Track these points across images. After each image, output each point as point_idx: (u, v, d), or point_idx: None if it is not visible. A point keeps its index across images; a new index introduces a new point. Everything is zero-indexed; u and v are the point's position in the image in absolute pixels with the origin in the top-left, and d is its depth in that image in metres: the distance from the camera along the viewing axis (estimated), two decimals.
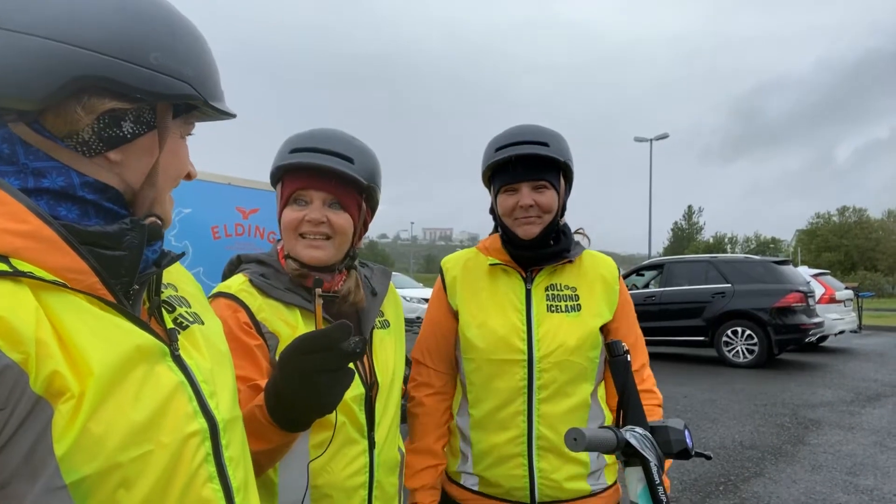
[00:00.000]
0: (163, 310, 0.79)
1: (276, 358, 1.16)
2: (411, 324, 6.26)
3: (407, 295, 17.53)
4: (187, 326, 0.81)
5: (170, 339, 0.75)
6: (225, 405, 0.79)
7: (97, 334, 0.64)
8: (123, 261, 0.70)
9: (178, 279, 0.90)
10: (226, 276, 1.30)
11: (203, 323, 0.86)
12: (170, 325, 0.78)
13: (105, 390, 0.62)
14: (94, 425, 0.60)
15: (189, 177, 0.81)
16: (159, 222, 0.76)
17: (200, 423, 0.72)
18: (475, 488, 1.58)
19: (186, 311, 0.84)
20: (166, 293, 0.84)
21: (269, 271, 1.26)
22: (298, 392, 0.90)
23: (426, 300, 19.13)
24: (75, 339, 0.61)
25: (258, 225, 4.28)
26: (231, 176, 4.20)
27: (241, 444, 0.82)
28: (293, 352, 0.89)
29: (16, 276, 0.60)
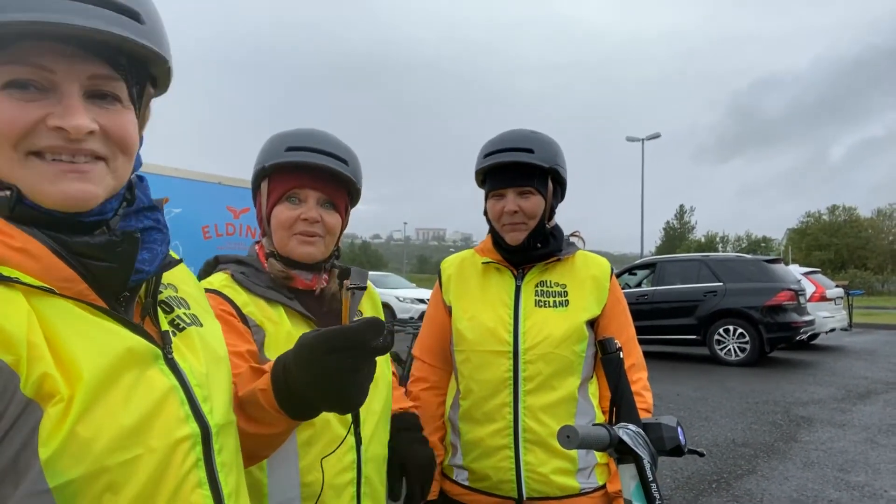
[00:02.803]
0: (159, 310, 0.78)
1: (263, 352, 1.16)
2: (404, 324, 6.25)
3: (400, 295, 17.51)
4: (184, 328, 0.80)
5: (163, 342, 0.73)
6: (219, 410, 0.77)
7: (87, 338, 0.63)
8: (115, 272, 0.69)
9: (179, 279, 0.89)
10: (202, 277, 1.30)
11: (202, 325, 0.84)
12: (165, 326, 0.76)
13: (94, 394, 0.61)
14: (82, 429, 0.59)
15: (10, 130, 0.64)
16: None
17: (192, 427, 0.71)
18: (465, 483, 1.62)
19: (185, 313, 0.83)
20: (165, 293, 0.82)
21: (248, 270, 1.27)
22: (322, 393, 0.82)
23: (420, 300, 19.12)
24: (65, 343, 0.61)
25: (249, 224, 4.26)
26: (221, 175, 4.18)
27: (234, 450, 0.81)
28: (318, 349, 0.80)
29: (2, 281, 0.59)
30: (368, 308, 1.45)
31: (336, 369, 0.80)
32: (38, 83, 0.64)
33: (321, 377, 0.81)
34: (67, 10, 0.61)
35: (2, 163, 0.63)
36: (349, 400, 0.83)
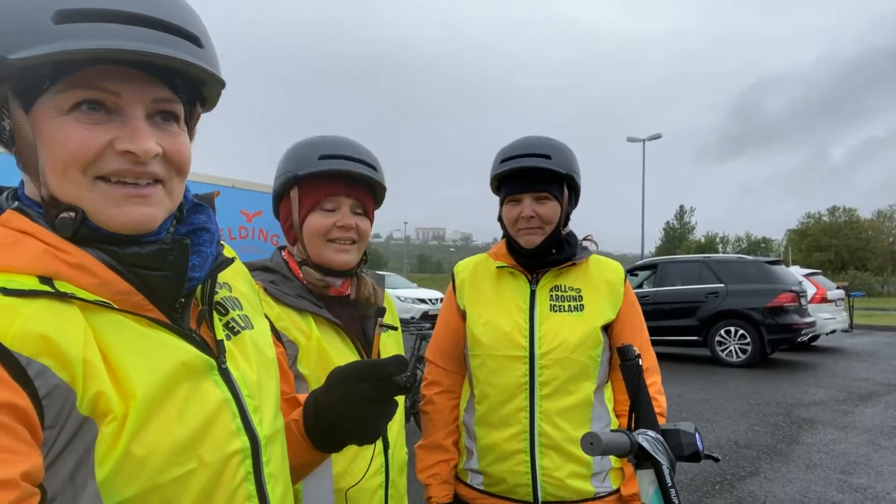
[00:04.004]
0: (215, 314, 0.78)
1: (297, 367, 1.18)
2: (406, 324, 6.27)
3: (401, 295, 17.52)
4: (238, 332, 0.81)
5: (218, 351, 0.74)
6: (268, 419, 0.78)
7: (141, 354, 0.64)
8: (169, 280, 0.69)
9: (234, 277, 0.89)
10: None
11: (253, 327, 0.85)
12: (220, 334, 0.77)
13: (148, 412, 0.62)
14: (137, 447, 0.60)
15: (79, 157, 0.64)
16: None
17: (243, 440, 0.72)
18: (480, 487, 1.63)
19: (238, 315, 0.84)
20: (221, 294, 0.83)
21: (277, 278, 1.27)
22: (345, 417, 0.87)
23: (420, 300, 19.06)
24: (120, 360, 0.62)
25: (262, 228, 4.26)
26: (234, 178, 4.18)
27: (281, 459, 0.81)
28: (348, 376, 0.87)
29: (60, 297, 0.60)
30: (388, 314, 1.47)
31: (359, 396, 0.85)
32: (105, 105, 0.65)
33: (345, 401, 0.86)
34: (135, 36, 0.62)
35: (68, 186, 0.64)
36: (367, 427, 0.88)
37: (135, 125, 0.65)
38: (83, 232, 0.65)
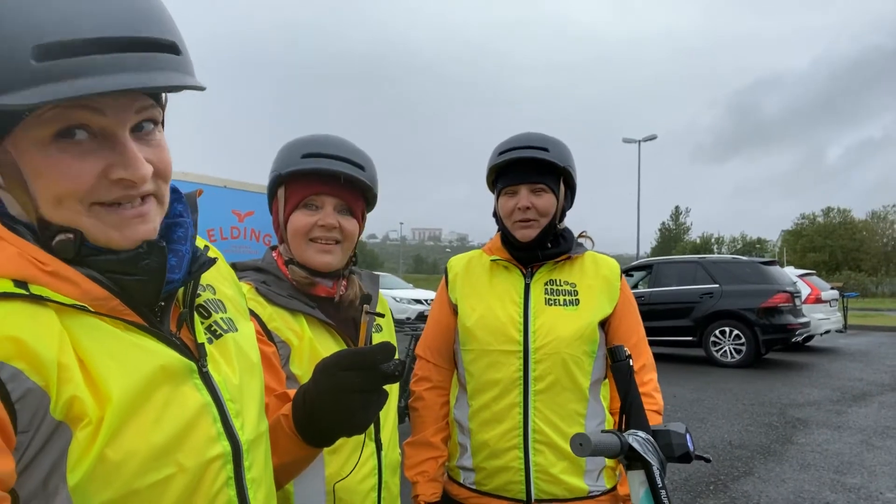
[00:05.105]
0: (196, 317, 0.77)
1: (289, 367, 1.17)
2: (402, 325, 6.25)
3: (397, 296, 17.52)
4: (221, 335, 0.80)
5: (199, 354, 0.73)
6: (250, 423, 0.77)
7: (117, 358, 0.63)
8: (146, 285, 0.68)
9: (218, 280, 0.87)
10: None
11: (237, 330, 0.84)
12: (201, 337, 0.76)
13: (124, 416, 0.61)
14: (112, 452, 0.59)
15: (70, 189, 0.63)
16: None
17: (223, 446, 0.71)
18: (472, 486, 1.62)
19: (222, 318, 0.82)
20: (203, 297, 0.81)
21: (269, 278, 1.26)
22: (331, 408, 0.85)
23: (416, 300, 19.07)
24: (96, 363, 0.61)
25: (253, 228, 4.24)
26: (226, 178, 4.17)
27: (263, 463, 0.80)
28: (332, 366, 0.85)
29: (35, 300, 0.59)
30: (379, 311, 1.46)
31: (345, 387, 0.83)
32: (89, 128, 0.63)
33: (331, 392, 0.84)
34: (119, 66, 0.59)
35: (64, 213, 0.64)
36: (355, 418, 0.86)
37: (126, 150, 0.64)
38: (83, 251, 0.65)
